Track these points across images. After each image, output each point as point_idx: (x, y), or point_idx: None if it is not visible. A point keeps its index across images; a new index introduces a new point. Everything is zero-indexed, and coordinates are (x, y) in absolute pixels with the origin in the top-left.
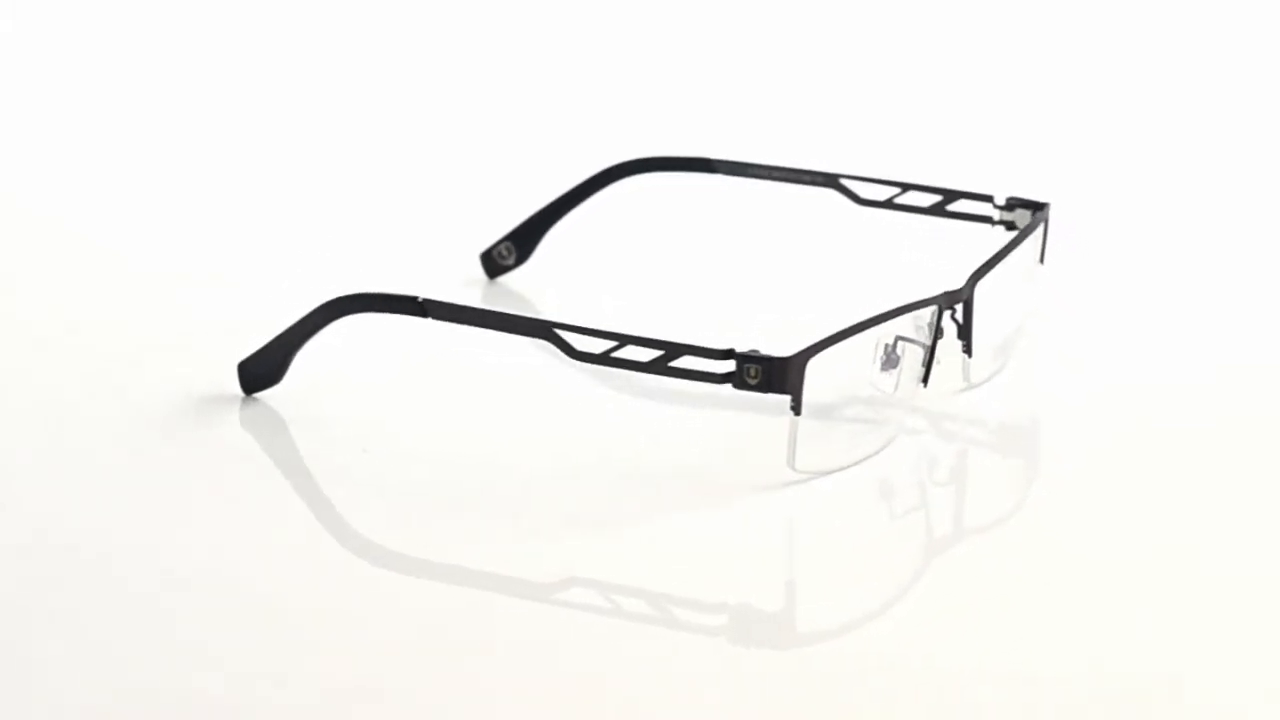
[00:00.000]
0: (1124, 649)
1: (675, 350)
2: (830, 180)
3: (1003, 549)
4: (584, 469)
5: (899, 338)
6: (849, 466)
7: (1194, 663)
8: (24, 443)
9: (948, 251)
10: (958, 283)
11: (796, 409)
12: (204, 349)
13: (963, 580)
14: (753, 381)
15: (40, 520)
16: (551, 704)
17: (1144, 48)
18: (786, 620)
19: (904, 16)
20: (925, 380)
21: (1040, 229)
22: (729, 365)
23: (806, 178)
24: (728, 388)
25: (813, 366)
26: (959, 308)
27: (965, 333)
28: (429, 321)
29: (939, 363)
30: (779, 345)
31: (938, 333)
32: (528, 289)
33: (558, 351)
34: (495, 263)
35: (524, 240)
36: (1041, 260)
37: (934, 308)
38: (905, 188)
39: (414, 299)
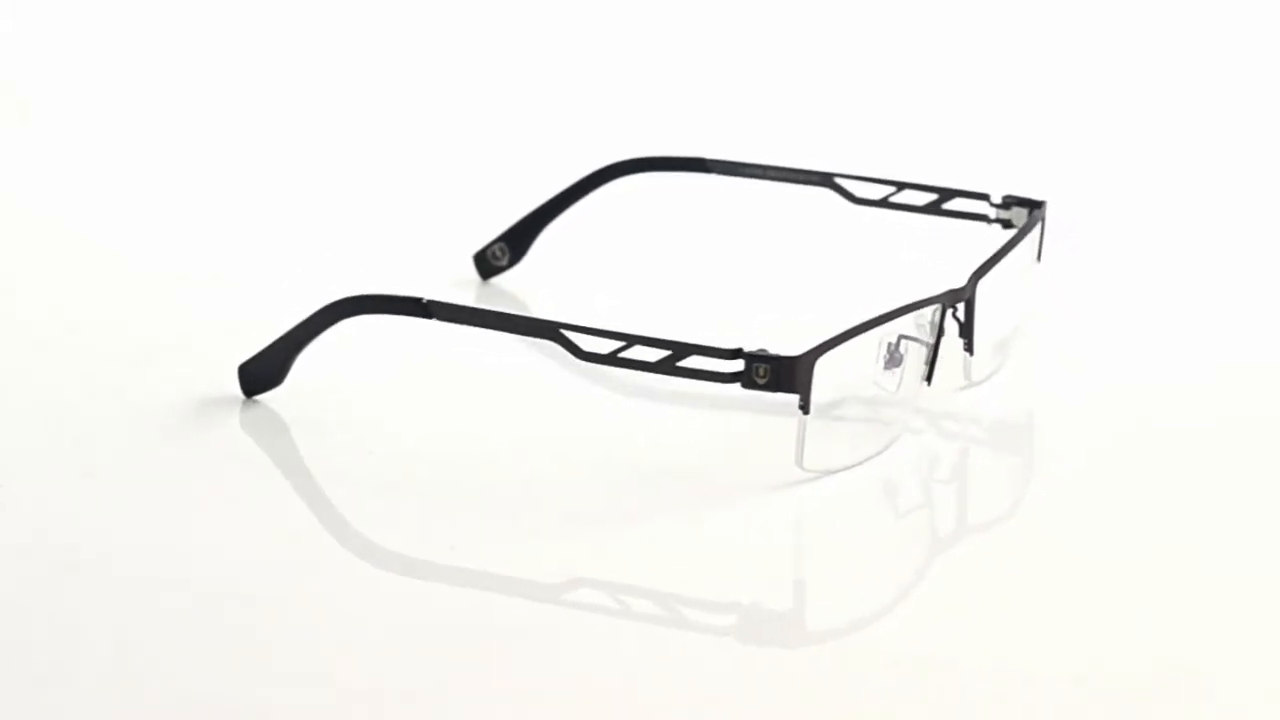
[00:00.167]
0: (1125, 648)
1: (683, 350)
2: (825, 179)
3: (1008, 548)
4: (586, 469)
5: (902, 336)
6: (856, 465)
7: (1194, 662)
8: (24, 443)
9: (942, 250)
10: (959, 281)
11: (805, 408)
12: (204, 349)
13: (970, 579)
14: (761, 381)
15: (40, 520)
16: (559, 704)
17: (1140, 43)
18: (796, 619)
19: (897, 15)
20: (929, 379)
21: (1038, 227)
22: (737, 365)
23: (801, 177)
24: (728, 387)
25: (818, 366)
26: (960, 306)
27: (967, 331)
28: (427, 322)
29: (940, 361)
30: (780, 345)
31: (941, 331)
32: (521, 290)
33: (560, 352)
34: (489, 264)
35: (517, 241)
36: (1039, 258)
37: (937, 306)
38: (900, 186)
39: (418, 300)
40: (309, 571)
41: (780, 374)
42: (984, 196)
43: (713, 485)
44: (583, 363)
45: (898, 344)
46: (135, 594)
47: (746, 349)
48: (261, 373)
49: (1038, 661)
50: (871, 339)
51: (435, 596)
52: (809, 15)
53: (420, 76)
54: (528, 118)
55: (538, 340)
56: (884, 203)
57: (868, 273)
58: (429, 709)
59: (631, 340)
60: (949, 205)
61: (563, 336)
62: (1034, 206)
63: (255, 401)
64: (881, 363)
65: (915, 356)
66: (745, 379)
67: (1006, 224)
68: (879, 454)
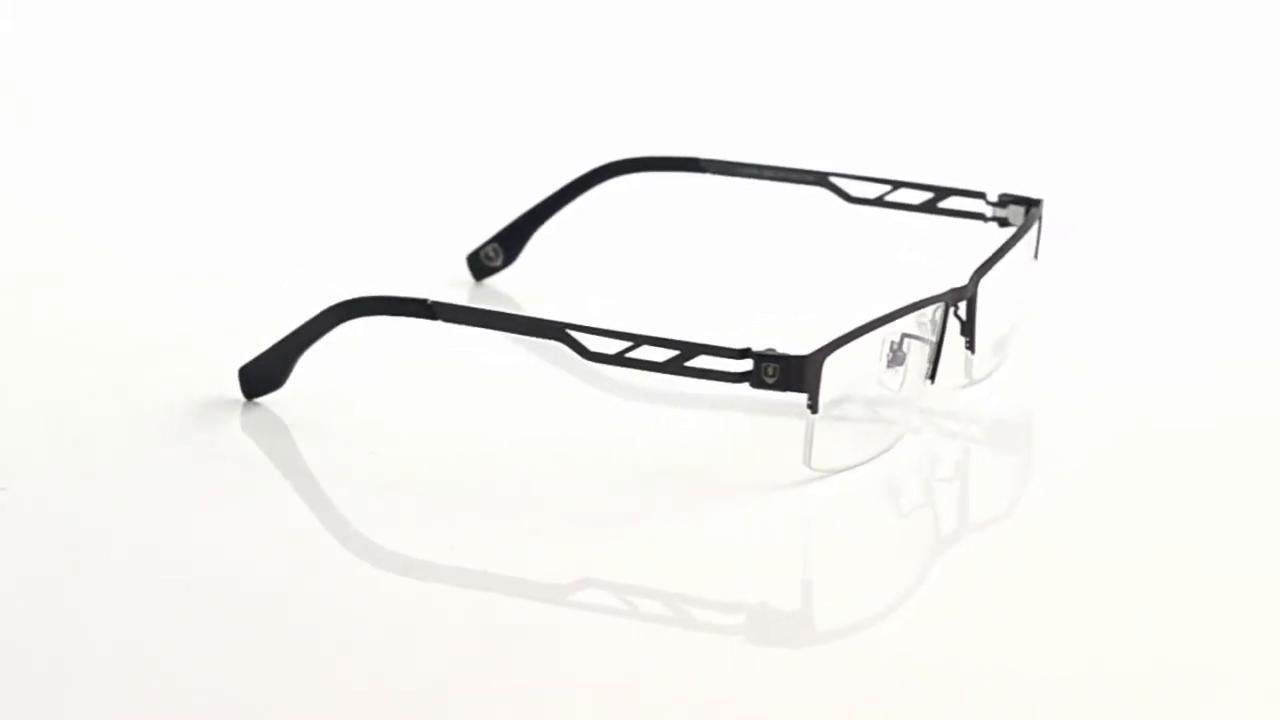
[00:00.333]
0: (1126, 647)
1: (691, 350)
2: (820, 178)
3: (1011, 547)
4: (587, 470)
5: (905, 335)
6: (863, 464)
7: (1194, 662)
8: (24, 443)
9: (936, 249)
10: (959, 280)
11: (814, 407)
12: (204, 349)
13: (977, 579)
14: (770, 380)
15: (40, 520)
16: (563, 705)
17: (1138, 39)
18: (804, 619)
19: (891, 14)
20: (932, 376)
21: (1035, 225)
22: (746, 365)
23: (796, 176)
24: (730, 387)
25: (826, 365)
26: (962, 305)
27: (969, 329)
28: (426, 323)
29: (942, 359)
30: (782, 345)
31: (944, 329)
32: (515, 291)
33: (560, 353)
34: (482, 264)
35: (511, 241)
36: (1036, 257)
37: (941, 305)
38: (896, 185)
39: (423, 301)
40: (309, 571)
41: (789, 373)
42: (980, 195)
43: (715, 485)
44: (582, 364)
45: (901, 342)
46: (135, 594)
47: (755, 348)
48: (262, 375)
49: (1041, 661)
50: (875, 338)
51: (435, 597)
52: (801, 14)
53: (415, 77)
54: (522, 118)
55: (537, 341)
56: (879, 201)
57: (864, 272)
58: (429, 709)
59: (639, 340)
60: (945, 204)
61: (569, 337)
62: (1031, 204)
63: (255, 402)
64: (885, 361)
65: (918, 355)
66: (754, 378)
67: (1003, 222)
68: (885, 452)
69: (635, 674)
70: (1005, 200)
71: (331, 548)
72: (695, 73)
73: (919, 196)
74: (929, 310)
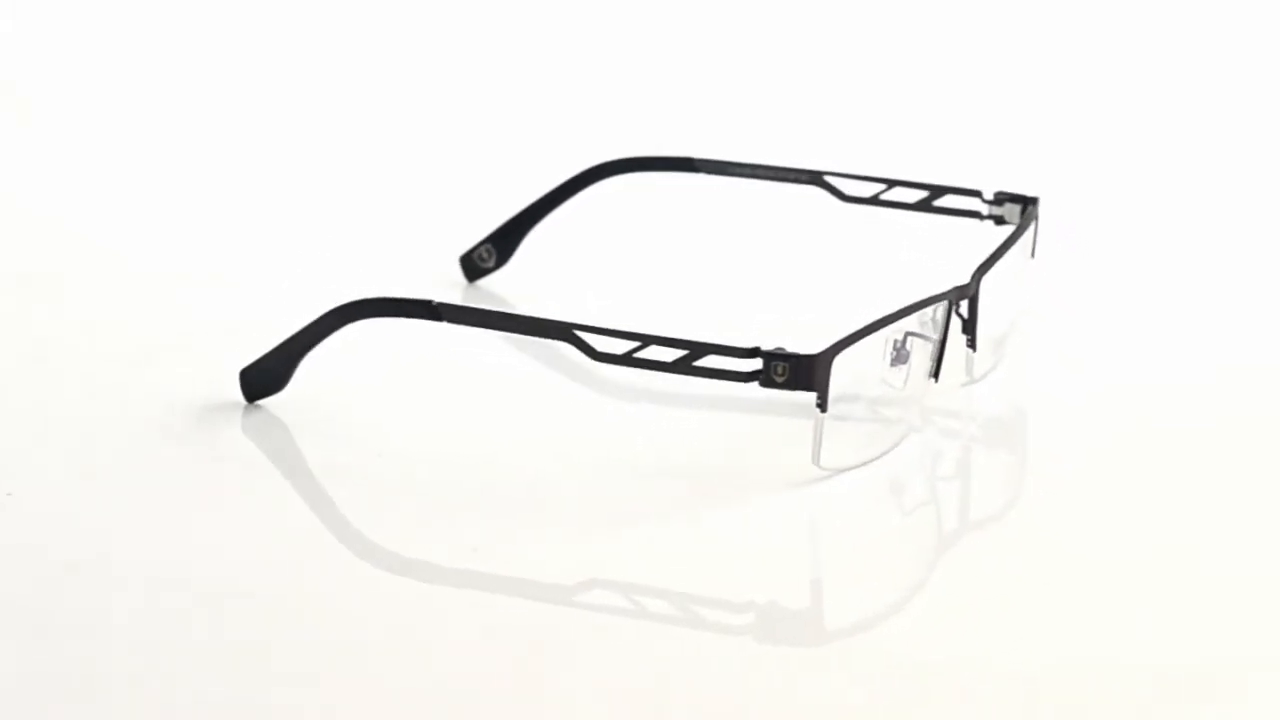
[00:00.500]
0: (1127, 646)
1: (700, 350)
2: (814, 177)
3: (1018, 545)
4: (589, 471)
5: (908, 333)
6: (870, 462)
7: (1195, 661)
8: (24, 443)
9: (930, 247)
10: (957, 278)
11: (823, 406)
12: (204, 349)
13: (984, 577)
14: (780, 379)
15: (40, 521)
16: (573, 705)
17: (1134, 35)
18: (813, 618)
19: (884, 12)
20: (936, 375)
21: (1033, 223)
22: (755, 364)
23: (790, 175)
24: (731, 387)
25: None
26: (964, 303)
27: (970, 327)
28: (425, 323)
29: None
30: (782, 344)
31: (947, 328)
32: (509, 292)
33: (560, 354)
34: (475, 265)
35: (504, 242)
36: (1033, 255)
37: (945, 303)
38: (891, 184)
39: (428, 303)
40: (309, 572)
41: (799, 372)
42: (976, 193)
43: (718, 485)
44: (583, 365)
45: (904, 341)
46: (135, 594)
47: (764, 347)
48: (264, 378)
49: (1047, 659)
50: (877, 336)
51: (436, 597)
52: (794, 13)
53: (409, 78)
54: (514, 118)
55: (537, 342)
56: (874, 200)
57: (860, 271)
58: (429, 709)
59: (647, 340)
60: (940, 202)
61: (577, 338)
62: (1027, 202)
63: (256, 403)
64: (888, 360)
65: (920, 353)
66: (764, 378)
67: (999, 220)
68: (891, 450)
69: (643, 673)
70: (1001, 198)
71: (332, 548)
72: (688, 72)
73: (914, 195)
74: (931, 308)
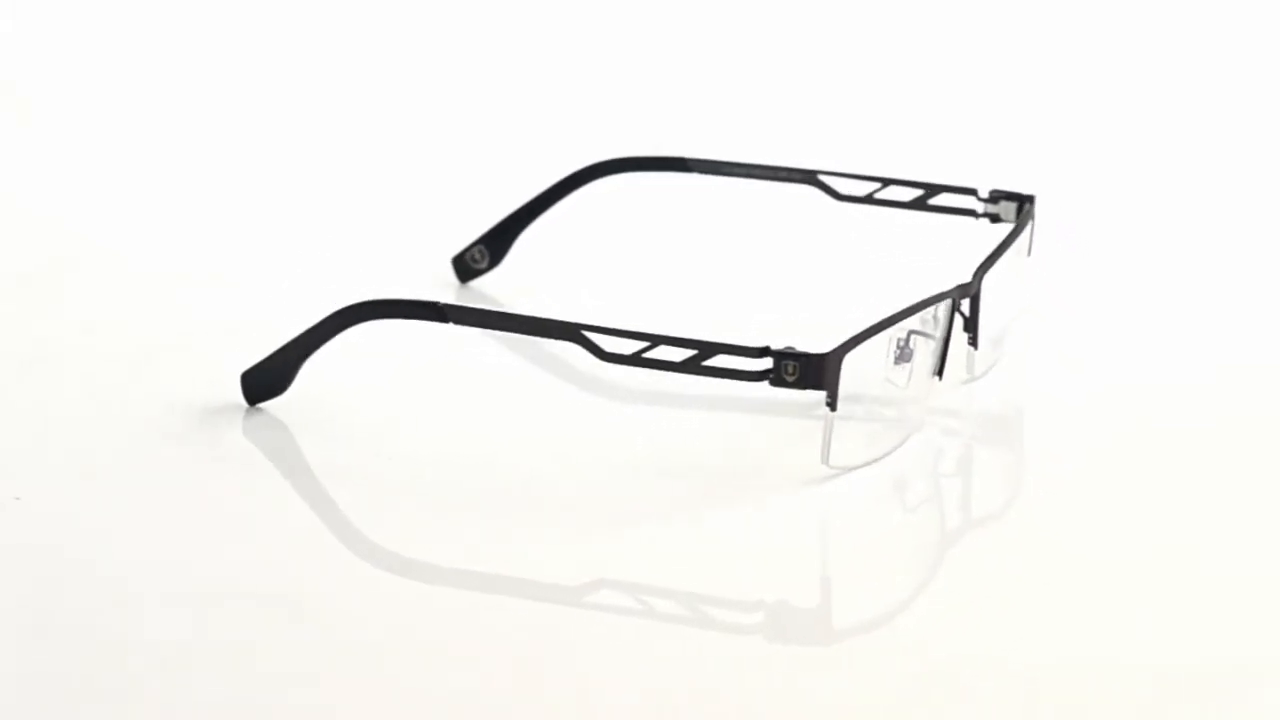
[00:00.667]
0: (1127, 645)
1: (709, 349)
2: (809, 177)
3: (1020, 545)
4: (593, 471)
5: (912, 332)
6: (878, 460)
7: (1195, 660)
8: (24, 443)
9: (924, 246)
10: (956, 276)
11: (832, 405)
12: (204, 350)
13: (990, 575)
14: (790, 378)
15: (40, 520)
16: (581, 706)
17: (1131, 33)
18: (823, 617)
19: (878, 11)
20: (940, 373)
21: (1030, 222)
22: (765, 363)
23: (784, 175)
24: (730, 387)
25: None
26: (965, 301)
27: (972, 325)
28: (425, 324)
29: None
30: (783, 343)
31: (950, 326)
32: (502, 293)
33: (563, 355)
34: (468, 266)
35: (497, 243)
36: (1029, 253)
37: (948, 301)
38: (885, 182)
39: (434, 305)
40: (310, 572)
41: (809, 371)
42: (971, 191)
43: (723, 485)
44: (585, 365)
45: (907, 339)
46: (135, 594)
47: (774, 347)
48: (266, 380)
49: (1053, 657)
50: (881, 335)
51: (438, 598)
52: (788, 13)
53: (403, 79)
54: (507, 119)
55: (540, 343)
56: (869, 199)
57: (856, 270)
58: (430, 709)
59: (656, 340)
60: (935, 200)
61: (585, 338)
62: (1023, 201)
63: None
64: (892, 358)
65: (923, 352)
66: (775, 377)
67: (995, 218)
68: (898, 448)
69: (652, 673)
70: (997, 196)
71: (333, 548)
72: (681, 72)
73: (909, 193)
74: (933, 307)
